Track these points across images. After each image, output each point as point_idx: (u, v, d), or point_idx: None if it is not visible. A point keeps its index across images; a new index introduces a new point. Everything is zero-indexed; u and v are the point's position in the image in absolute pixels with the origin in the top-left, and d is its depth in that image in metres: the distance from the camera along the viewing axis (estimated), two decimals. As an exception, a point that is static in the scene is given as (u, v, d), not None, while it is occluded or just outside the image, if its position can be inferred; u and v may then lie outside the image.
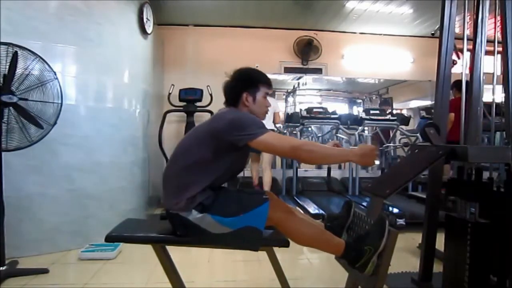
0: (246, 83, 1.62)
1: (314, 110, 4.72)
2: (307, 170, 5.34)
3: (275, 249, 1.59)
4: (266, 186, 4.09)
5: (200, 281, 2.28)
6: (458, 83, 2.56)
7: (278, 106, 4.38)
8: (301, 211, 3.76)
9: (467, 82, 2.02)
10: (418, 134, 4.31)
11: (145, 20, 3.83)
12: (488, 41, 1.99)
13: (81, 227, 2.90)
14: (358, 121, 4.87)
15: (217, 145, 1.47)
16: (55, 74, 2.43)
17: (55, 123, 2.42)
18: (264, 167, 4.15)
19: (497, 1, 1.91)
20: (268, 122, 4.13)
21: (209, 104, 4.81)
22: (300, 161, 1.50)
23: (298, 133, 4.71)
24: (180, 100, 4.69)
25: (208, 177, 1.47)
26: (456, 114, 2.14)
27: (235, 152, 1.50)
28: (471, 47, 2.02)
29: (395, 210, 3.61)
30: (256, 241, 1.44)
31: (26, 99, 2.31)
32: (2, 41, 2.24)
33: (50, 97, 2.41)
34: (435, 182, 2.16)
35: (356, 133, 4.68)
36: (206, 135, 1.51)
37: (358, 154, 1.41)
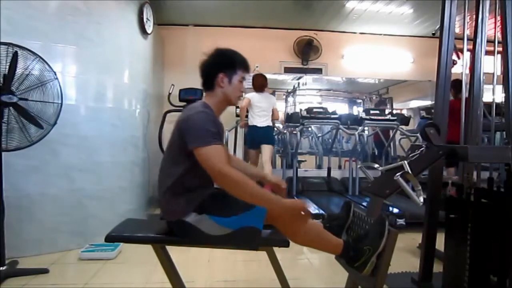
0: (224, 64, 1.56)
1: (314, 110, 4.71)
2: (307, 170, 5.34)
3: (275, 249, 1.59)
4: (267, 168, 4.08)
5: (200, 281, 2.28)
6: (455, 83, 2.55)
7: (275, 102, 4.34)
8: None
9: (466, 82, 2.02)
10: (418, 134, 4.31)
11: (145, 20, 3.83)
12: (488, 41, 1.99)
13: (81, 227, 2.90)
14: (358, 121, 4.86)
15: (183, 144, 1.44)
16: (55, 74, 2.43)
17: (55, 123, 2.42)
18: (264, 160, 4.15)
19: (497, 1, 1.91)
20: (266, 120, 4.11)
21: (209, 104, 4.80)
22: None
23: (298, 133, 4.71)
24: (180, 100, 4.68)
25: (187, 180, 1.46)
26: (455, 116, 2.13)
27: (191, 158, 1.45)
28: (471, 47, 2.02)
29: (395, 210, 3.61)
30: (255, 240, 1.44)
31: (26, 99, 2.30)
32: (2, 41, 2.24)
33: (50, 97, 2.41)
34: (435, 182, 2.16)
35: (356, 133, 4.68)
36: (176, 134, 1.49)
37: (285, 207, 1.36)
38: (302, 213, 1.39)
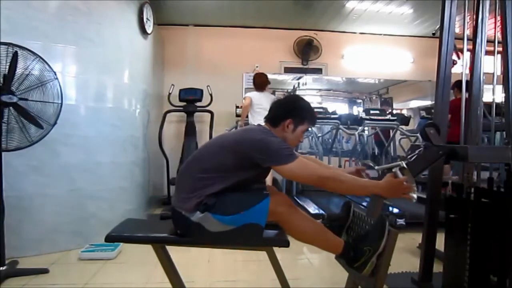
0: (297, 112, 1.64)
1: (314, 110, 4.71)
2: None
3: (275, 249, 1.59)
4: (269, 181, 4.08)
5: (200, 281, 2.28)
6: (459, 83, 2.56)
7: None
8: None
9: (467, 82, 2.02)
10: (418, 134, 4.31)
11: (145, 20, 3.83)
12: (488, 41, 1.99)
13: (81, 227, 2.90)
14: (358, 121, 4.87)
15: (238, 159, 1.49)
16: (55, 74, 2.43)
17: (55, 123, 2.42)
18: None
19: (497, 1, 1.91)
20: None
21: (209, 104, 4.81)
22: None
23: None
24: (180, 100, 4.69)
25: (221, 186, 1.48)
26: (456, 115, 2.13)
27: (255, 169, 1.51)
28: (471, 47, 2.02)
29: (395, 210, 3.61)
30: (257, 236, 1.45)
31: (26, 99, 2.30)
32: (2, 41, 2.24)
33: (50, 97, 2.41)
34: (435, 182, 2.16)
35: (356, 133, 4.68)
36: (230, 146, 1.52)
37: (384, 188, 1.39)
38: (404, 184, 1.38)
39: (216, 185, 1.47)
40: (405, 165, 1.41)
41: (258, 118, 4.10)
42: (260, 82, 4.12)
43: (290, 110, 1.63)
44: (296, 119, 1.62)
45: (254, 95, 4.13)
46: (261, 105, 4.08)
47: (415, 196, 1.38)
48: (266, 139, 1.49)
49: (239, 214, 1.43)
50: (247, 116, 4.20)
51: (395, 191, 1.38)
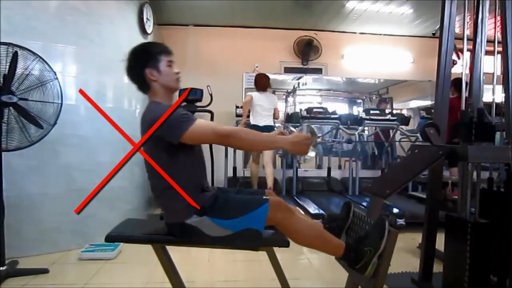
0: (143, 59, 1.54)
1: (314, 110, 4.71)
2: (307, 170, 5.34)
3: (275, 249, 1.59)
4: (269, 181, 4.08)
5: (200, 281, 2.28)
6: (456, 82, 2.56)
7: (277, 102, 4.33)
8: (301, 211, 3.77)
9: (466, 82, 2.02)
10: (418, 134, 4.31)
11: (145, 20, 3.83)
12: (488, 41, 1.99)
13: (81, 227, 2.89)
14: (358, 121, 4.86)
15: (162, 149, 1.45)
16: (55, 74, 2.43)
17: (55, 123, 2.42)
18: (266, 162, 4.15)
19: (497, 1, 1.91)
20: (267, 119, 4.10)
21: (209, 104, 4.80)
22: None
23: (298, 133, 4.69)
24: (180, 100, 4.68)
25: (180, 179, 1.43)
26: (454, 113, 2.13)
27: (181, 150, 1.46)
28: (471, 47, 2.02)
29: (395, 210, 3.61)
30: (256, 242, 1.44)
31: (26, 99, 2.30)
32: (2, 41, 2.24)
33: (50, 97, 2.41)
34: (435, 182, 2.16)
35: (356, 133, 4.68)
36: (148, 144, 1.49)
37: (290, 142, 1.40)
38: (307, 140, 1.41)
39: (178, 181, 1.42)
40: (312, 128, 1.45)
41: (258, 118, 4.10)
42: (261, 85, 4.13)
43: (137, 64, 1.54)
44: (149, 64, 1.53)
45: (255, 95, 4.14)
46: (262, 105, 4.10)
47: (312, 154, 1.42)
48: (156, 116, 1.40)
49: (238, 218, 1.42)
50: (248, 116, 4.21)
51: (300, 146, 1.39)
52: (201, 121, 1.43)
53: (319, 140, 4.28)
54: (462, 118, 1.81)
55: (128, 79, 1.60)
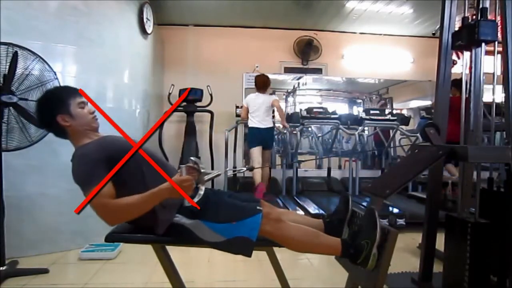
0: (53, 106, 1.48)
1: (314, 110, 4.72)
2: (307, 170, 5.34)
3: (275, 249, 1.59)
4: (264, 179, 4.08)
5: (200, 281, 2.28)
6: (456, 82, 2.56)
7: (273, 98, 4.18)
8: (301, 211, 3.77)
9: (466, 82, 2.02)
10: (418, 134, 4.31)
11: (145, 20, 3.83)
12: (488, 41, 1.98)
13: (81, 227, 2.89)
14: (358, 121, 4.87)
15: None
16: (55, 74, 2.43)
17: (55, 123, 2.42)
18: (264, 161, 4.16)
19: (497, 1, 1.91)
20: (262, 120, 4.05)
21: (209, 104, 4.81)
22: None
23: (298, 133, 4.70)
24: (180, 100, 4.69)
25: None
26: (455, 114, 2.13)
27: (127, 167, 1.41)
28: (471, 47, 2.02)
29: (395, 210, 3.61)
30: (248, 250, 1.41)
31: (26, 99, 2.30)
32: (2, 41, 2.24)
33: (50, 97, 2.41)
34: (435, 182, 2.16)
35: (356, 133, 4.68)
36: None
37: (167, 188, 1.28)
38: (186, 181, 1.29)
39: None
40: (193, 161, 1.32)
41: (254, 119, 4.07)
42: (260, 83, 4.10)
43: (47, 113, 1.49)
44: (60, 109, 1.47)
45: (249, 98, 4.12)
46: (255, 106, 4.05)
47: (201, 191, 1.33)
48: (73, 168, 1.41)
49: (230, 223, 1.40)
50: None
51: (181, 188, 1.28)
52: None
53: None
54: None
55: (43, 129, 1.54)
